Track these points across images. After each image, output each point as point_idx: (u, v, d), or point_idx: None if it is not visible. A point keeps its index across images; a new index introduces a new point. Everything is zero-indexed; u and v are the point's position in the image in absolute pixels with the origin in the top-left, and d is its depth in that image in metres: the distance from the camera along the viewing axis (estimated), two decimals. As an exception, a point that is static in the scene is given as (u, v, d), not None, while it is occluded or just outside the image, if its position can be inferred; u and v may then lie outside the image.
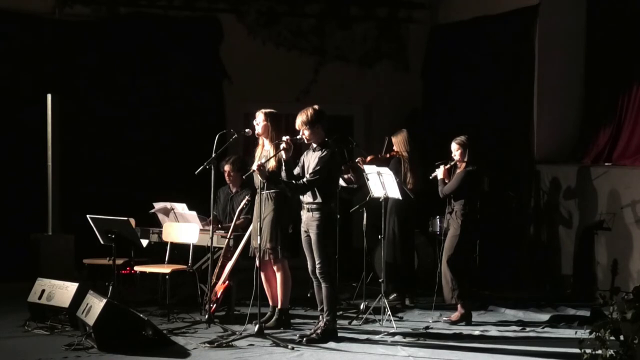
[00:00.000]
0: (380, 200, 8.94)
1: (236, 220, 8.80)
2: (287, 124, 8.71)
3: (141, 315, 7.77)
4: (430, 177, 9.04)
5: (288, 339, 7.91)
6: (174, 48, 11.81)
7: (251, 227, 8.46)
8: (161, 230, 9.36)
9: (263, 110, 8.38)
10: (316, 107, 7.97)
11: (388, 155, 9.69)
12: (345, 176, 9.23)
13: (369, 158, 9.52)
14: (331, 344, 7.78)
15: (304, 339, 7.84)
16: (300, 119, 7.89)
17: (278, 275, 8.38)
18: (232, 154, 9.83)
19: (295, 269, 8.73)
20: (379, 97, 12.69)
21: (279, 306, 8.44)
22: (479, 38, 11.74)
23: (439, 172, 8.90)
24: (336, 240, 8.16)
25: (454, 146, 8.85)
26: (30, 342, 7.88)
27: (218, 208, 9.51)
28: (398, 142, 9.67)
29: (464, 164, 8.81)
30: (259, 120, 8.36)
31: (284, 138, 7.91)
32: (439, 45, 12.57)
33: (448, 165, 8.89)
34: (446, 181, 8.86)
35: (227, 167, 9.49)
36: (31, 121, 10.68)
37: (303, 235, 8.02)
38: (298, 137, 7.90)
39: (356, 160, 9.44)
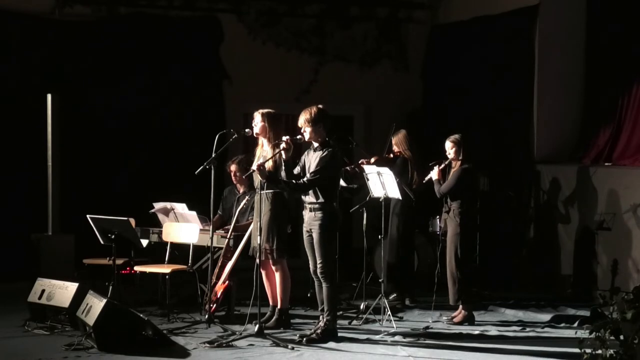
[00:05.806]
0: (380, 200, 8.93)
1: (236, 222, 8.80)
2: (287, 124, 8.70)
3: (141, 315, 7.77)
4: (424, 181, 9.04)
5: (288, 339, 7.90)
6: (174, 48, 11.81)
7: (252, 226, 8.47)
8: (161, 230, 9.35)
9: (261, 111, 8.37)
10: (320, 106, 7.97)
11: (391, 156, 9.68)
12: (349, 168, 9.20)
13: (373, 159, 9.50)
14: (331, 344, 7.77)
15: (304, 339, 7.84)
16: (303, 117, 7.90)
17: (277, 275, 8.38)
18: (236, 154, 9.81)
19: (296, 269, 8.73)
20: (379, 97, 12.68)
21: (279, 306, 8.43)
22: (479, 38, 11.74)
23: (433, 174, 8.89)
24: (337, 240, 8.16)
25: (448, 144, 8.82)
26: (30, 342, 7.87)
27: (224, 207, 9.50)
28: (398, 142, 9.67)
29: (459, 162, 8.80)
30: (257, 121, 8.35)
31: (284, 138, 7.90)
32: (439, 45, 12.57)
33: (442, 165, 8.88)
34: (441, 181, 8.84)
35: (233, 167, 9.44)
36: (31, 121, 10.68)
37: (305, 235, 8.01)
38: (298, 137, 7.90)
39: (359, 163, 9.42)
